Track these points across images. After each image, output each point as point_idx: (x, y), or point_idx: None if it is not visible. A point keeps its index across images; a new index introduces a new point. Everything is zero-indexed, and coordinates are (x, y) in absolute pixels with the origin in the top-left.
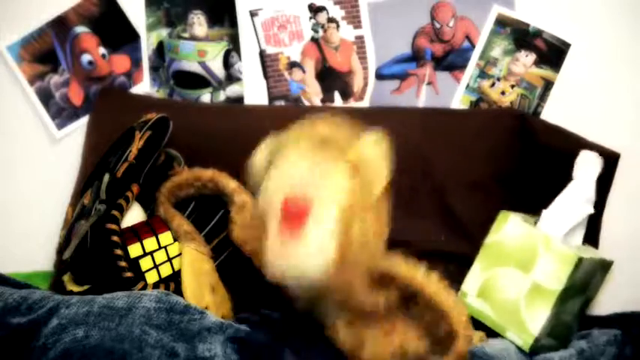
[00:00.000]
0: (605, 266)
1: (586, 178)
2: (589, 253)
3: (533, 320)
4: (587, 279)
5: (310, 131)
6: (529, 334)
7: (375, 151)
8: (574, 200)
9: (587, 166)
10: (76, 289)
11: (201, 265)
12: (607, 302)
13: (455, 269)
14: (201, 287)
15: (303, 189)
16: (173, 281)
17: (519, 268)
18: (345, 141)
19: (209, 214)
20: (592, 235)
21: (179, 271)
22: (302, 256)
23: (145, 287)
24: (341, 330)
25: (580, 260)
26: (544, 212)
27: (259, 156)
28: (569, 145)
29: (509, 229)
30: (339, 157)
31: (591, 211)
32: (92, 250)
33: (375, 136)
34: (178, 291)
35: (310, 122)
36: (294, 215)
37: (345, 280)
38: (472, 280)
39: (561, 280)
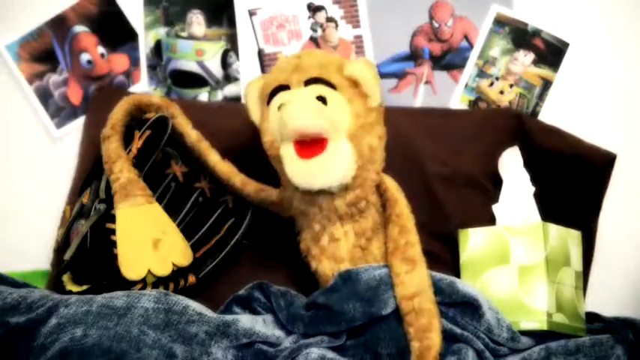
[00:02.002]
0: (574, 237)
1: (515, 166)
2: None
3: (536, 299)
4: (563, 248)
5: (301, 60)
6: (540, 312)
7: (367, 69)
8: (515, 187)
9: (510, 158)
10: (75, 288)
11: (137, 222)
12: (605, 302)
13: (443, 269)
14: (140, 250)
15: (310, 122)
16: (172, 281)
17: (500, 264)
18: (338, 63)
19: (207, 212)
20: (588, 236)
21: (178, 271)
22: (328, 168)
23: (144, 287)
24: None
25: (546, 226)
26: (494, 207)
27: (252, 89)
28: (564, 146)
29: (473, 241)
30: (336, 76)
31: (532, 189)
32: (92, 250)
33: (364, 60)
34: (178, 291)
35: (298, 55)
36: (311, 144)
37: (362, 178)
38: None
39: (540, 250)
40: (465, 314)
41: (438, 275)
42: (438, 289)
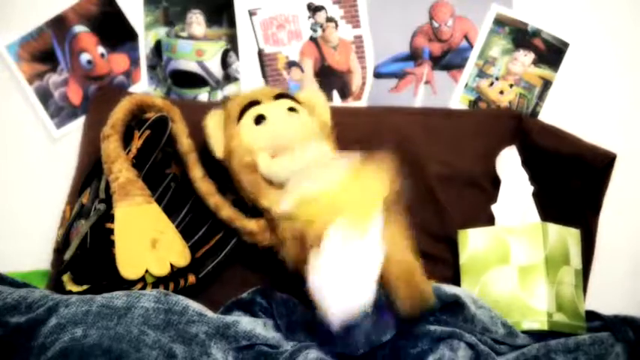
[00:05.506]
0: (573, 235)
1: (513, 166)
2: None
3: (536, 299)
4: (563, 247)
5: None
6: (540, 312)
7: (319, 94)
8: (514, 187)
9: (508, 158)
10: (75, 288)
11: (135, 221)
12: (605, 302)
13: (443, 269)
14: (138, 249)
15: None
16: (172, 281)
17: (500, 264)
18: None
19: (207, 212)
20: (588, 236)
21: (178, 270)
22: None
23: (144, 287)
24: None
25: (545, 226)
26: (493, 207)
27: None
28: (564, 146)
29: (473, 241)
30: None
31: (531, 189)
32: (91, 250)
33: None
34: (178, 291)
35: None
36: None
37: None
38: None
39: (539, 250)
40: (456, 317)
41: None
42: None
